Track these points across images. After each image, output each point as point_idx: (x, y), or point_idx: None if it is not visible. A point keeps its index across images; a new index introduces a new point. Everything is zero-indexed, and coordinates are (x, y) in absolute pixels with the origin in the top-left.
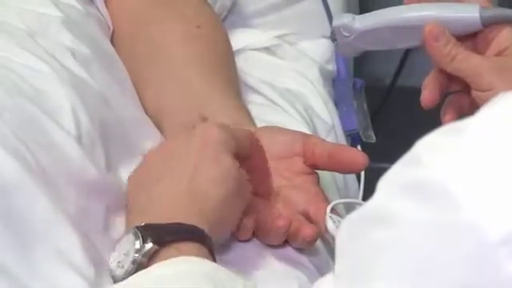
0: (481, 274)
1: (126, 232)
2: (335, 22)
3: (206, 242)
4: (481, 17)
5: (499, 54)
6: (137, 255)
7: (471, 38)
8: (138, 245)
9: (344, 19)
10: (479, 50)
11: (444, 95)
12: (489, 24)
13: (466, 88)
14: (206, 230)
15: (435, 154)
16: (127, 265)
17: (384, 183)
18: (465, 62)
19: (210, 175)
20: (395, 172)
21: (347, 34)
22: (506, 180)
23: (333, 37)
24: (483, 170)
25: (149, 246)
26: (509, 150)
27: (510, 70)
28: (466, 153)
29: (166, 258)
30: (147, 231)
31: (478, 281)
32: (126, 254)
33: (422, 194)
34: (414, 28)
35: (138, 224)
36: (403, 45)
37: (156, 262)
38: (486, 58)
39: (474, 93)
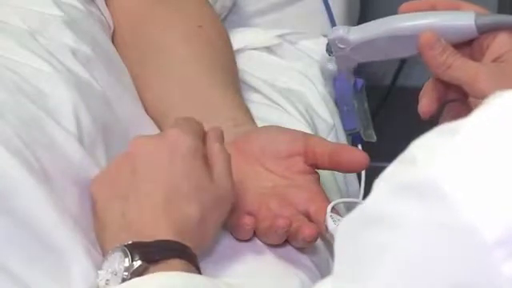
0: (477, 275)
1: (113, 250)
2: (330, 35)
3: (191, 259)
4: (476, 24)
5: (496, 60)
6: (126, 273)
7: (467, 45)
8: (127, 263)
9: (339, 31)
10: (475, 57)
11: (442, 104)
12: (484, 31)
13: (463, 96)
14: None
15: (430, 154)
16: (116, 283)
17: (380, 183)
18: (461, 69)
19: (184, 192)
20: (391, 172)
21: (343, 46)
22: (501, 180)
23: (329, 50)
24: (479, 170)
25: (137, 263)
26: (504, 150)
27: (506, 75)
28: (461, 153)
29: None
30: (135, 249)
31: (474, 281)
32: (114, 273)
33: (418, 195)
34: (410, 37)
35: (125, 242)
36: (400, 54)
37: None
38: (482, 65)
39: (472, 100)
